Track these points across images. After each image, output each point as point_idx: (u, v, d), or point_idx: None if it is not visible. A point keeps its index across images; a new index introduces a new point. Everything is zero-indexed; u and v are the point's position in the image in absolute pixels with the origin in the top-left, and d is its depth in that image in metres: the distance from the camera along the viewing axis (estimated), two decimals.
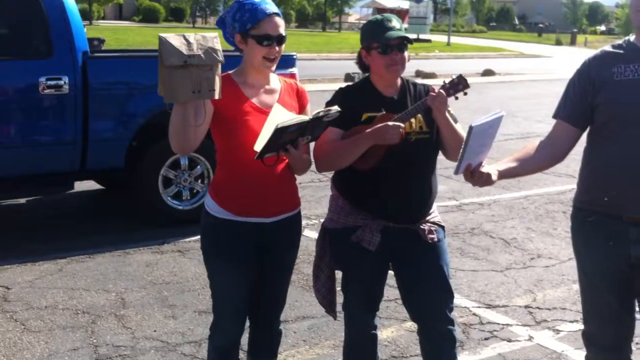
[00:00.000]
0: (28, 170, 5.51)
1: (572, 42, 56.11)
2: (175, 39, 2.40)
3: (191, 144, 2.60)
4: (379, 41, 2.85)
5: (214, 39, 2.47)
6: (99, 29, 39.36)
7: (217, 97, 2.51)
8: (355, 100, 2.93)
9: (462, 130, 2.82)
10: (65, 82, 5.37)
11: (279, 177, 2.76)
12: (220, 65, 2.49)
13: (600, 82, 2.57)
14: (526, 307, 4.56)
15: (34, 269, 4.98)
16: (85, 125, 5.52)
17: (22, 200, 6.70)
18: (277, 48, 2.70)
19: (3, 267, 4.98)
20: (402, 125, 2.76)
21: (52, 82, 5.33)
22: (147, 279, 4.85)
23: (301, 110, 2.84)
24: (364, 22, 3.20)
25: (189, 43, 2.41)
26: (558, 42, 56.28)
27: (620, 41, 2.65)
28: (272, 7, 2.72)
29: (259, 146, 2.51)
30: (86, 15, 52.43)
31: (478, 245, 5.74)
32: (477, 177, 2.59)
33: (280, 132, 2.44)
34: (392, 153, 2.83)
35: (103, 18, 63.04)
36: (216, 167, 2.84)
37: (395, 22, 2.90)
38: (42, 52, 5.45)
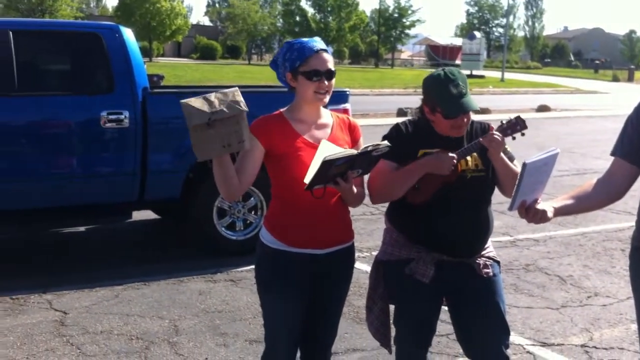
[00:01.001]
0: (89, 200, 5.70)
1: (630, 79, 55.02)
2: (196, 101, 2.48)
3: (236, 192, 2.72)
4: (444, 109, 2.80)
5: (234, 92, 2.54)
6: (158, 65, 40.55)
7: (247, 147, 2.59)
8: (412, 135, 2.94)
9: (518, 168, 2.80)
10: (125, 117, 5.56)
11: (333, 210, 2.80)
12: (245, 115, 2.54)
13: None
14: (582, 346, 4.44)
15: (91, 295, 5.11)
16: (145, 157, 5.69)
17: (82, 229, 6.89)
18: (326, 82, 2.76)
19: (61, 292, 5.13)
20: (455, 157, 2.77)
21: (113, 117, 5.53)
22: (200, 307, 4.92)
23: (354, 144, 2.87)
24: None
25: (210, 102, 2.49)
26: (615, 79, 55.27)
27: None
28: (319, 44, 2.79)
29: (307, 178, 2.55)
30: (146, 52, 54.24)
31: (533, 282, 5.64)
32: (532, 214, 2.58)
33: (328, 165, 2.48)
34: (448, 189, 2.84)
35: (162, 55, 65.02)
36: (271, 200, 2.90)
37: (461, 85, 2.79)
38: (104, 88, 5.67)
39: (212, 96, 2.51)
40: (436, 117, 2.86)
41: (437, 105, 2.83)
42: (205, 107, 2.47)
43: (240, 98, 2.54)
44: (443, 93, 2.79)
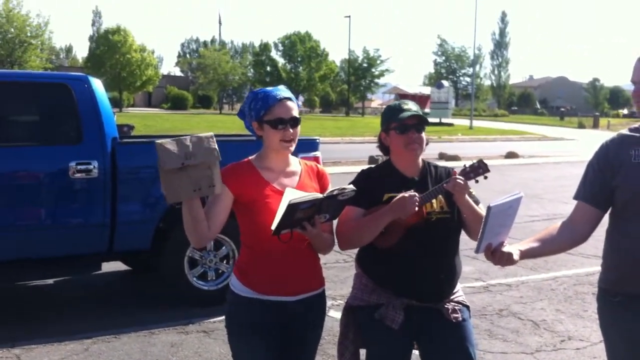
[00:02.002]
0: (57, 252, 5.59)
1: (595, 125, 56.24)
2: (171, 144, 2.49)
3: (205, 238, 2.71)
4: (397, 121, 2.96)
5: (210, 139, 2.56)
6: (128, 115, 40.48)
7: (217, 192, 2.60)
8: (377, 181, 3.00)
9: (483, 211, 2.84)
10: (94, 167, 5.51)
11: (302, 257, 2.79)
12: (217, 162, 2.57)
13: (619, 164, 2.60)
14: None
15: (60, 349, 4.98)
16: (114, 208, 5.63)
17: (50, 281, 6.75)
18: (291, 130, 2.78)
19: (30, 347, 4.99)
20: (417, 195, 2.80)
21: (82, 167, 5.47)
22: None
23: (322, 192, 2.87)
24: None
25: (185, 146, 2.50)
26: (581, 126, 56.44)
27: (637, 124, 2.70)
28: (283, 93, 2.82)
29: (274, 223, 2.56)
30: (117, 103, 54.22)
31: (507, 327, 5.63)
32: (498, 257, 2.61)
33: (294, 208, 2.49)
34: (414, 232, 2.87)
35: (133, 105, 65.06)
36: (240, 247, 2.90)
37: (412, 105, 3.03)
38: (73, 138, 5.63)
39: (187, 140, 2.51)
40: (391, 137, 2.99)
41: (391, 122, 2.99)
42: (179, 152, 2.47)
43: (214, 145, 2.55)
44: (395, 110, 3.01)
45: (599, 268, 2.78)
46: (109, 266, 6.55)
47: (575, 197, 2.75)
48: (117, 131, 5.91)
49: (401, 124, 2.94)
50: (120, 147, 5.73)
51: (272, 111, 2.76)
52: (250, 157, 2.87)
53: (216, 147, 2.56)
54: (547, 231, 2.76)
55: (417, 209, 2.81)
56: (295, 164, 2.91)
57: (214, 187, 2.57)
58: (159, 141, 2.48)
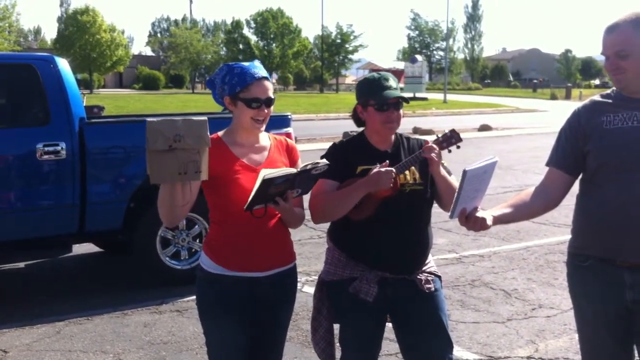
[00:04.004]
0: (27, 235, 5.53)
1: (567, 96, 56.67)
2: (162, 123, 2.42)
3: (179, 218, 2.70)
4: (376, 99, 2.90)
5: (202, 124, 2.49)
6: (99, 97, 39.98)
7: (203, 178, 2.55)
8: (350, 153, 2.97)
9: (456, 182, 2.85)
10: (62, 148, 5.44)
11: (272, 232, 2.78)
12: (207, 149, 2.52)
13: (590, 130, 2.62)
14: (528, 357, 4.50)
15: (31, 332, 4.94)
16: (83, 188, 5.57)
17: (21, 264, 6.69)
18: (265, 110, 2.76)
19: (1, 330, 4.95)
20: (393, 170, 2.79)
21: (50, 148, 5.40)
22: (145, 340, 4.81)
23: (292, 165, 2.86)
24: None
25: (175, 128, 2.43)
26: (553, 97, 56.87)
27: (608, 91, 2.72)
28: (260, 71, 2.78)
29: (248, 198, 2.54)
30: (87, 84, 53.46)
31: (479, 297, 5.70)
32: (472, 222, 2.62)
33: (267, 184, 2.46)
34: (387, 204, 2.86)
35: (104, 87, 64.20)
36: (210, 224, 2.88)
37: (392, 82, 2.95)
38: (40, 120, 5.55)
39: (180, 122, 2.44)
40: (368, 113, 2.94)
41: (369, 98, 2.92)
42: (168, 133, 2.41)
43: (206, 131, 2.49)
44: (375, 86, 2.93)
45: (569, 236, 2.81)
46: (80, 248, 6.49)
47: (548, 164, 2.78)
48: (84, 111, 5.83)
49: (381, 102, 2.89)
50: (88, 128, 5.66)
51: (249, 89, 2.73)
52: (219, 133, 2.84)
53: (208, 133, 2.50)
54: (520, 197, 2.79)
55: (392, 183, 2.80)
56: (265, 138, 2.89)
57: (200, 173, 2.51)
58: (149, 119, 2.42)
